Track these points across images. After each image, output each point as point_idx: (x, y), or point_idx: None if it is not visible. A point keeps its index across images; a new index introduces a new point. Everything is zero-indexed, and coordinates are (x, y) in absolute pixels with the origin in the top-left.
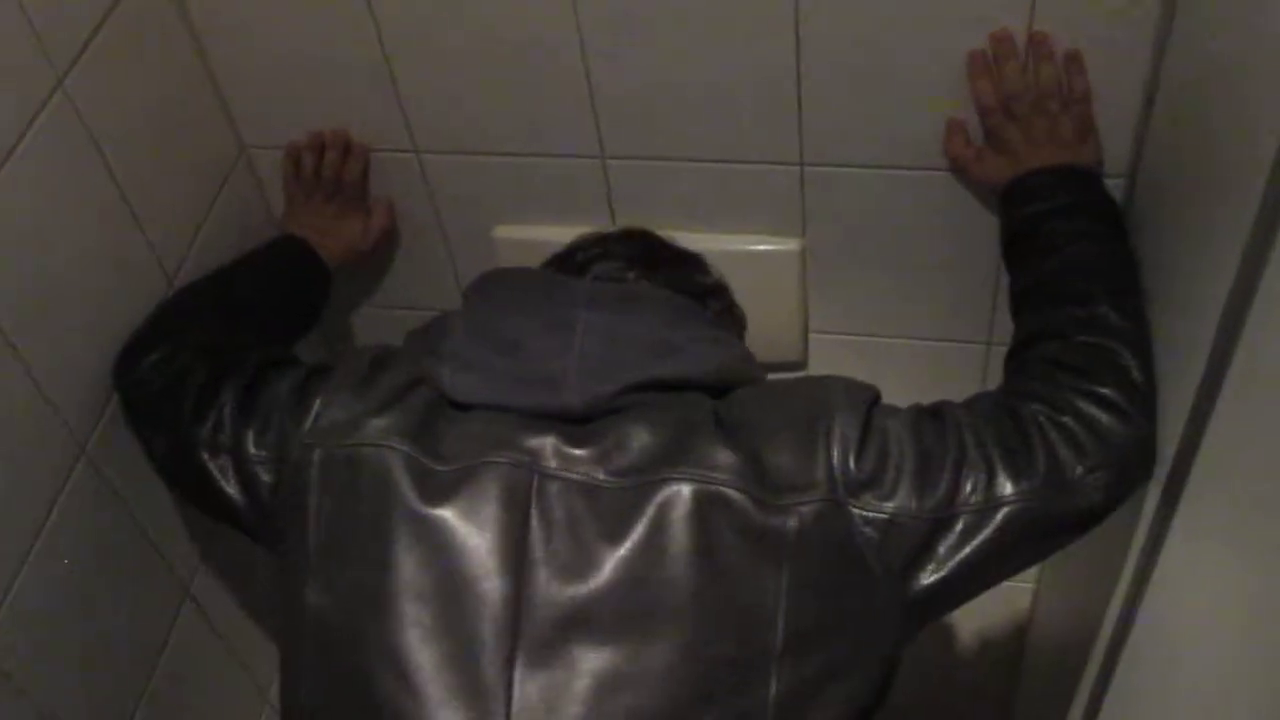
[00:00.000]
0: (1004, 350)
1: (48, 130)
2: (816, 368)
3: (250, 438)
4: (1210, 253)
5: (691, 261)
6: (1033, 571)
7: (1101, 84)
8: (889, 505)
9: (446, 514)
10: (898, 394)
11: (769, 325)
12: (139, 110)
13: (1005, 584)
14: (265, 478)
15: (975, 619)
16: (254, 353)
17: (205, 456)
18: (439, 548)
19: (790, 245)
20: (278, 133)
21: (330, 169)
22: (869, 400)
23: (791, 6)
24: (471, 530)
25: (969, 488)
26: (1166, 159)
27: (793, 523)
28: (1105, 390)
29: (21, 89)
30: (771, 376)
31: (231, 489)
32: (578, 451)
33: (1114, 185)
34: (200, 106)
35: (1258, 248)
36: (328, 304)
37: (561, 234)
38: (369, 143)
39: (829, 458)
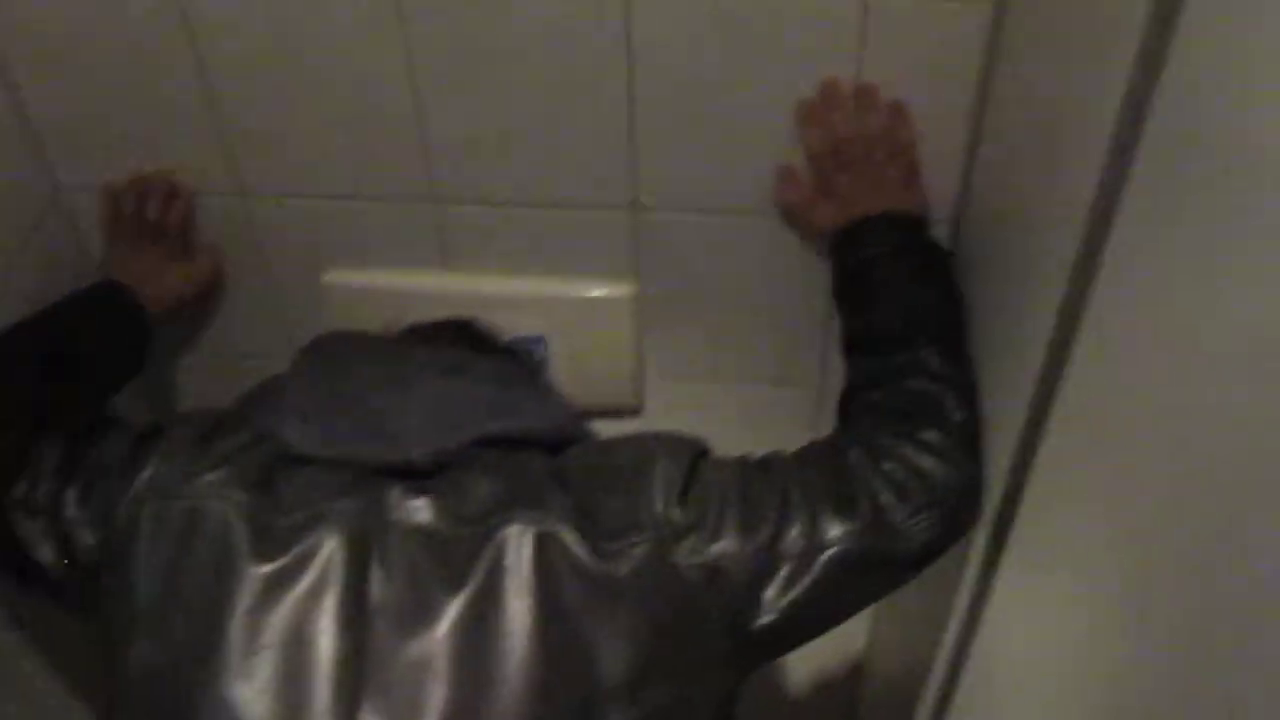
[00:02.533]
0: (834, 397)
1: None
2: (653, 412)
3: (71, 498)
4: (1031, 295)
5: (511, 351)
6: (867, 611)
7: (926, 132)
8: (713, 549)
9: (284, 565)
10: (732, 438)
11: (604, 370)
12: None
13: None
14: (86, 540)
15: (810, 660)
16: (73, 411)
17: (17, 518)
18: (276, 602)
19: (623, 290)
20: (95, 172)
21: (152, 213)
22: (694, 451)
23: (624, 51)
24: (309, 582)
25: (793, 532)
26: (990, 204)
27: (624, 566)
28: (926, 434)
29: None
30: (607, 423)
31: (46, 553)
32: (419, 501)
33: (940, 229)
34: (8, 144)
35: (1075, 291)
36: (150, 353)
37: (393, 279)
38: (192, 183)
39: (651, 503)
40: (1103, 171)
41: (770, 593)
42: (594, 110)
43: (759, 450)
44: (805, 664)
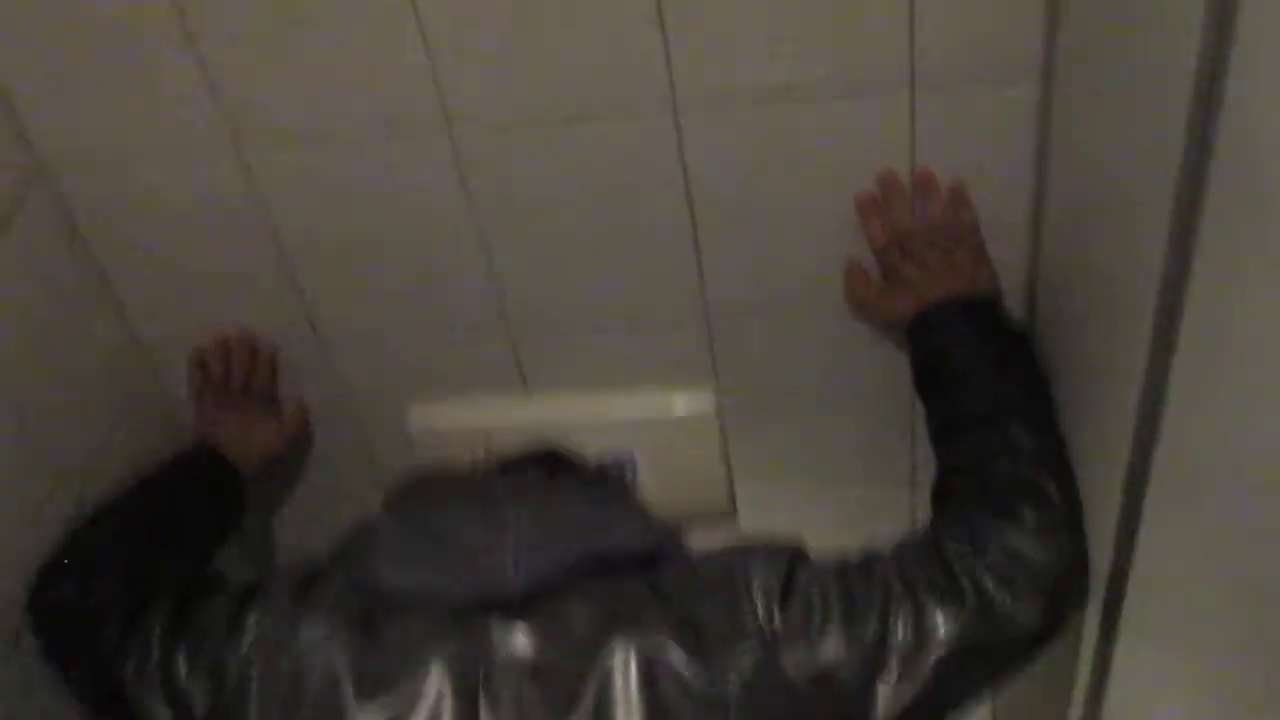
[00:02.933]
0: (926, 490)
1: None
2: (747, 517)
3: (181, 664)
4: (1117, 358)
5: (599, 472)
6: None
7: (989, 210)
8: (820, 656)
9: (395, 714)
10: (828, 537)
11: (694, 481)
12: (33, 332)
13: None
14: (198, 702)
15: None
16: (176, 576)
17: (131, 688)
18: None
19: (706, 403)
20: (181, 337)
21: (238, 375)
22: (791, 554)
23: (680, 175)
24: None
25: (899, 629)
26: (1061, 274)
27: (731, 681)
28: (1025, 517)
29: None
30: (702, 530)
31: (161, 716)
32: (520, 634)
33: (1013, 299)
34: (98, 319)
35: (1161, 350)
36: (245, 511)
37: (477, 412)
38: (273, 339)
39: (754, 610)
40: (1170, 226)
41: (882, 694)
42: (656, 230)
43: (856, 548)
44: None
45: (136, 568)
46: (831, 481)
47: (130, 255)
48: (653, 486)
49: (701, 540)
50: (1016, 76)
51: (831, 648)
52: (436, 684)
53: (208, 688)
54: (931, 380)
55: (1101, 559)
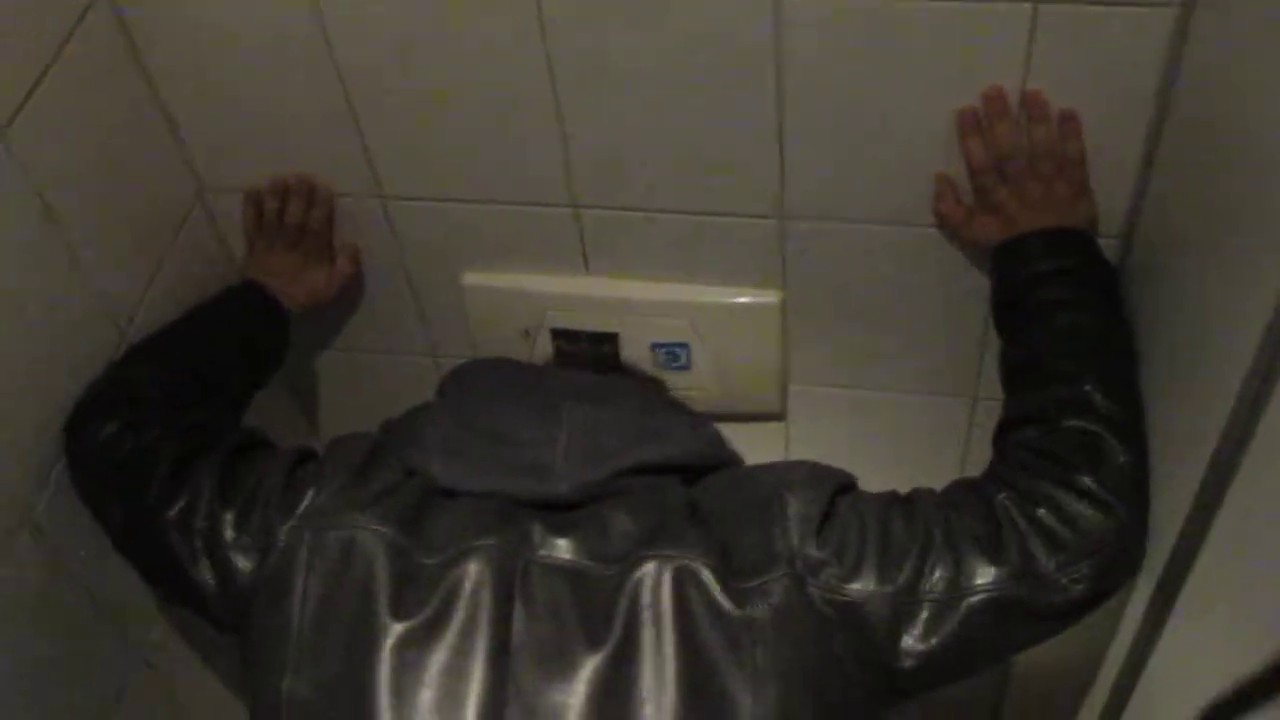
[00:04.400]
0: (990, 405)
1: None
2: (796, 420)
3: (229, 522)
4: (1222, 326)
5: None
6: None
7: (1098, 143)
8: (850, 587)
9: (434, 608)
10: (880, 449)
11: (748, 376)
12: (88, 157)
13: None
14: (243, 564)
15: None
16: (227, 429)
17: (174, 538)
18: (429, 641)
19: (770, 298)
20: (238, 175)
21: (294, 216)
22: (835, 484)
23: (773, 61)
24: (459, 622)
25: (934, 577)
26: (1168, 222)
27: (761, 605)
28: (1084, 479)
29: None
30: (749, 429)
31: (202, 573)
32: (562, 538)
33: (1108, 246)
34: (155, 150)
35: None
36: (288, 351)
37: (534, 283)
38: (333, 186)
39: (787, 536)
40: None
41: (909, 638)
42: (741, 118)
43: (905, 489)
44: None
45: (181, 410)
46: (889, 392)
47: (191, 88)
48: (705, 378)
49: (746, 441)
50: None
51: (862, 584)
52: (476, 579)
53: (255, 554)
54: (1009, 314)
55: (1167, 529)
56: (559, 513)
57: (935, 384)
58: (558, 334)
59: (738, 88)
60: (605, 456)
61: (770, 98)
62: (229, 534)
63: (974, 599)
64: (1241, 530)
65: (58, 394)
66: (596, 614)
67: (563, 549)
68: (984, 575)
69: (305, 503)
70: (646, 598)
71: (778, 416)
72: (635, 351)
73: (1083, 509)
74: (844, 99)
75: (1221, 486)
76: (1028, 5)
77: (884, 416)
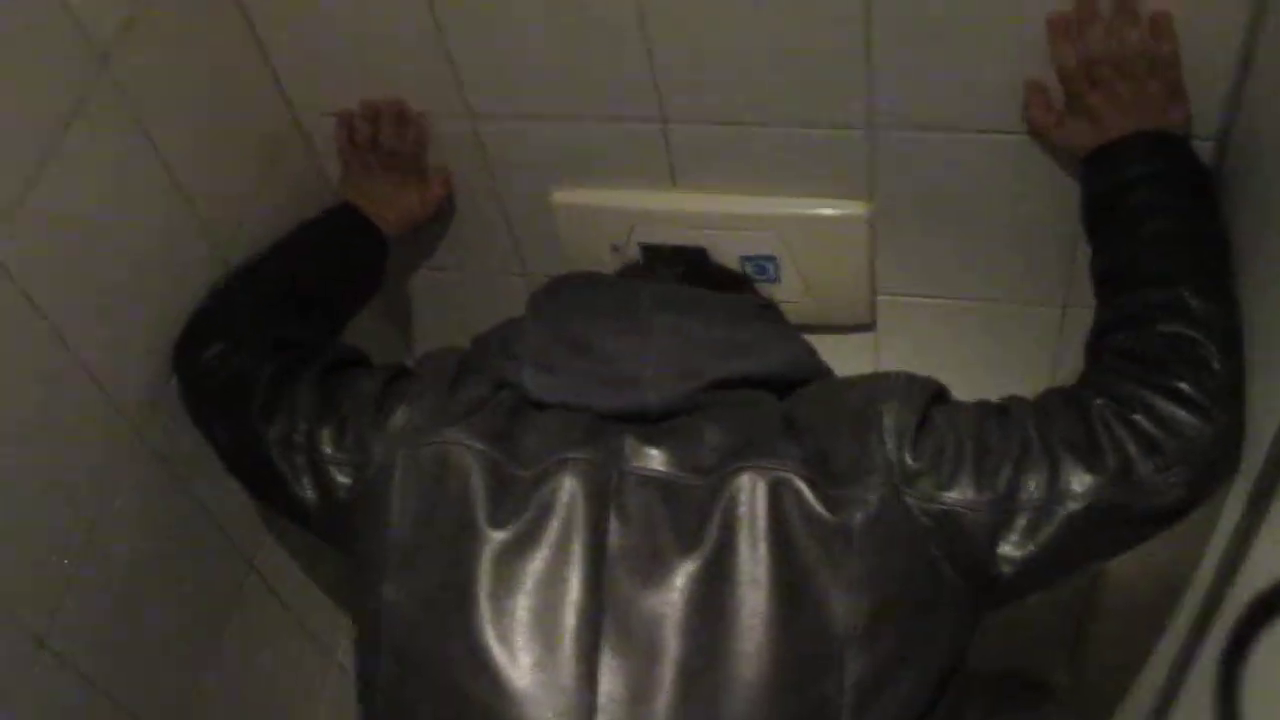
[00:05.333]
0: (1080, 311)
1: (92, 113)
2: (886, 330)
3: (327, 438)
4: None
5: (742, 280)
6: None
7: (1192, 44)
8: (947, 495)
9: (528, 519)
10: (971, 358)
11: (836, 287)
12: (185, 84)
13: None
14: (342, 479)
15: None
16: (324, 347)
17: (276, 454)
18: (524, 551)
19: (857, 209)
20: (331, 99)
21: (386, 138)
22: (929, 393)
23: None
24: (554, 533)
25: (1031, 485)
26: (1266, 124)
27: (857, 514)
28: (1180, 384)
29: (63, 72)
30: (840, 339)
31: (304, 489)
32: (654, 450)
33: (1202, 149)
34: (249, 75)
35: None
36: (385, 272)
37: (622, 198)
38: (422, 107)
39: (884, 446)
40: None
41: (1007, 545)
42: (828, 24)
43: (999, 397)
44: None
45: (282, 326)
46: (979, 300)
47: (281, 11)
48: (794, 290)
49: (836, 351)
50: None
51: (959, 492)
52: (570, 491)
53: (352, 469)
54: (1102, 220)
55: (1264, 434)
56: (650, 425)
57: (1025, 292)
58: (647, 249)
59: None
60: (695, 369)
61: (858, 2)
62: (327, 450)
63: (1072, 505)
64: None
65: (164, 315)
66: (690, 523)
67: (655, 460)
68: (1081, 482)
69: (399, 419)
70: (742, 508)
71: (868, 327)
72: (726, 265)
73: (1179, 413)
74: (930, 4)
75: None
76: None
77: (974, 326)
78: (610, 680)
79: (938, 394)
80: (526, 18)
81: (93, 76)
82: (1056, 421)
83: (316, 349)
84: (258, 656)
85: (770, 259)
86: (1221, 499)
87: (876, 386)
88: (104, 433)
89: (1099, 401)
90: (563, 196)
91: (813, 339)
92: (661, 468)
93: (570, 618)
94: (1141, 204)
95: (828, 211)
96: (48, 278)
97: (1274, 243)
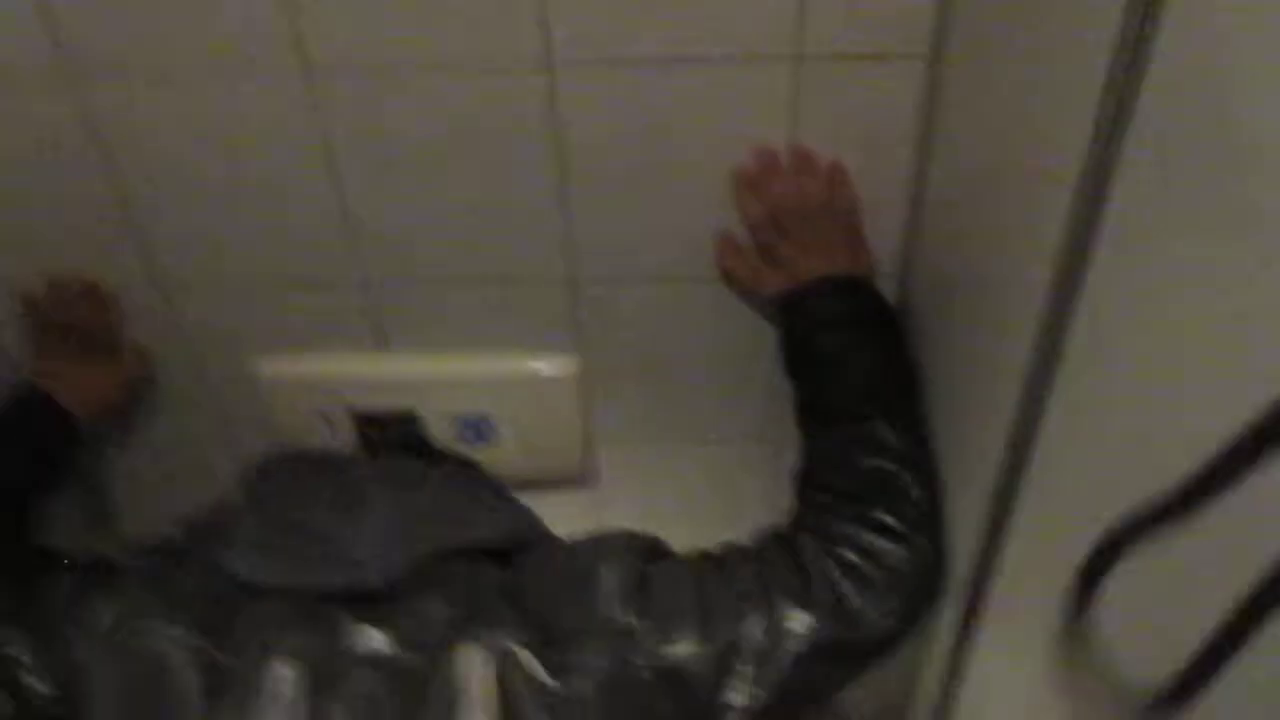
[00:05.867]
0: (791, 448)
1: None
2: (609, 483)
3: (23, 644)
4: (995, 359)
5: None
6: None
7: (868, 191)
8: (670, 651)
9: (244, 711)
10: (692, 502)
11: (552, 444)
12: None
13: None
14: (41, 688)
15: None
16: (14, 546)
17: None
18: None
19: (566, 364)
20: (13, 275)
21: (75, 315)
22: (645, 550)
23: (550, 128)
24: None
25: (753, 631)
26: (939, 257)
27: (583, 681)
28: (882, 515)
29: None
30: (561, 495)
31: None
32: (375, 629)
33: (886, 285)
34: None
35: (1043, 357)
36: (79, 457)
37: (330, 366)
38: (112, 282)
39: (604, 607)
40: (1073, 202)
41: (734, 693)
42: (523, 187)
43: (714, 545)
44: None
45: None
46: (692, 444)
47: None
48: (510, 449)
49: (560, 508)
50: (906, 51)
51: (684, 647)
52: (289, 679)
53: (51, 678)
54: (797, 361)
55: (963, 555)
56: (372, 603)
57: (737, 431)
58: (358, 417)
59: (521, 162)
60: (413, 542)
61: (553, 169)
62: (23, 658)
63: (793, 646)
64: (1030, 546)
65: None
66: (415, 704)
67: (376, 640)
68: (799, 622)
69: (101, 616)
70: (462, 682)
71: (588, 482)
72: (439, 428)
73: (882, 544)
74: (622, 165)
75: (1007, 507)
76: (788, 67)
77: (693, 469)
78: None
79: (655, 549)
80: (217, 189)
81: None
82: (771, 565)
83: (8, 551)
84: None
85: (485, 419)
86: (935, 622)
87: (596, 548)
88: None
89: (809, 540)
90: (267, 367)
91: (535, 497)
92: (383, 647)
93: None
94: (833, 345)
95: (538, 367)
96: None
97: (957, 374)
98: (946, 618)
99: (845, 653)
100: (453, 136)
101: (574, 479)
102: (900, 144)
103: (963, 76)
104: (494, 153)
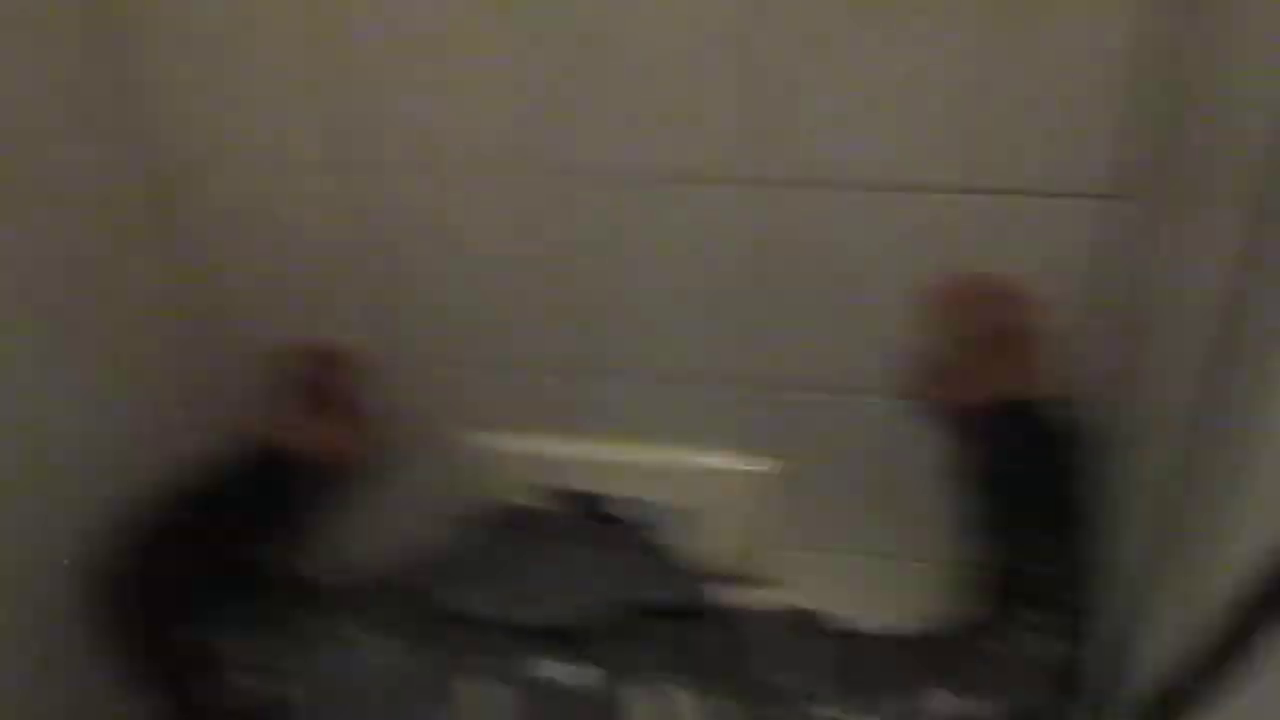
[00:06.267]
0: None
1: None
2: (792, 584)
3: (247, 655)
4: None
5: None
6: None
7: (1053, 318)
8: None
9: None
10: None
11: (741, 543)
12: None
13: None
14: (264, 692)
15: None
16: (250, 567)
17: (196, 668)
18: None
19: (760, 465)
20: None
21: (319, 378)
22: (812, 622)
23: (750, 238)
24: None
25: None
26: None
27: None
28: (1033, 617)
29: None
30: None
31: (218, 699)
32: (566, 667)
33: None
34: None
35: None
36: (323, 511)
37: (534, 445)
38: (356, 348)
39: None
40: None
41: None
42: (727, 298)
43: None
44: None
45: (211, 551)
46: (879, 558)
47: (232, 258)
48: (700, 545)
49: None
50: (1097, 188)
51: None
52: (489, 699)
53: (270, 683)
54: (976, 478)
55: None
56: (563, 642)
57: (921, 548)
58: (556, 493)
59: (726, 273)
60: (595, 592)
61: (748, 278)
62: (248, 665)
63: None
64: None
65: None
66: None
67: (568, 675)
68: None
69: (314, 637)
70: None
71: (775, 581)
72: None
73: (1032, 644)
74: (818, 276)
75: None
76: (971, 196)
77: (874, 581)
78: None
79: (816, 620)
80: (455, 276)
81: None
82: (923, 652)
83: (245, 572)
84: None
85: (664, 511)
86: None
87: (764, 619)
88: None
89: (967, 632)
90: (481, 445)
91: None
92: (573, 681)
93: None
94: (1009, 466)
95: (733, 467)
96: None
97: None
98: None
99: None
100: (659, 244)
101: (762, 579)
102: (1081, 275)
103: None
104: (693, 245)
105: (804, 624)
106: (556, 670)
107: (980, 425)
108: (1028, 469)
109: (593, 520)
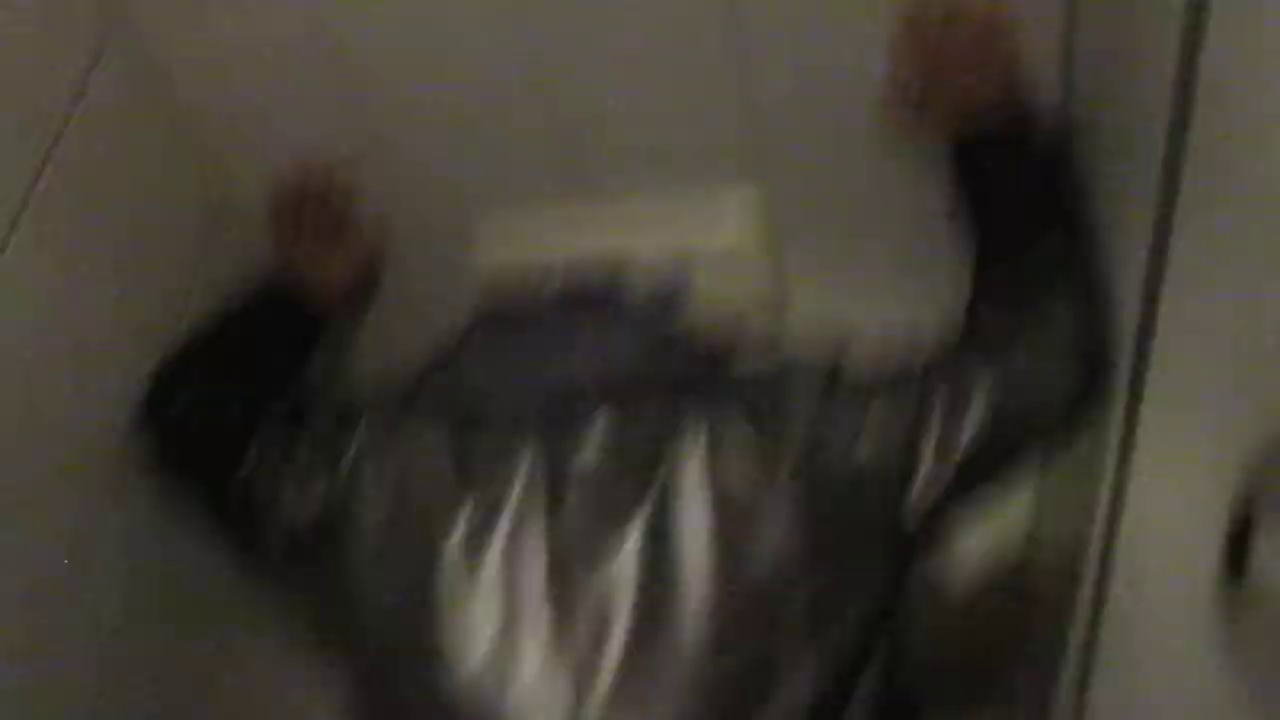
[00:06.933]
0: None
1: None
2: (800, 307)
3: (290, 474)
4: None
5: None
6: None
7: (1025, 27)
8: (859, 452)
9: (489, 499)
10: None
11: (744, 278)
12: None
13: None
14: (309, 511)
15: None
16: (280, 396)
17: (241, 494)
18: (487, 533)
19: (754, 198)
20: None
21: (316, 205)
22: (834, 358)
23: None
24: (512, 510)
25: (933, 425)
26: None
27: (782, 469)
28: (1052, 305)
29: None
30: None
31: (279, 509)
32: (600, 420)
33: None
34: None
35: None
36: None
37: (535, 221)
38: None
39: (802, 407)
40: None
41: (921, 479)
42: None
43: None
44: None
45: (239, 383)
46: (882, 272)
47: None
48: (705, 289)
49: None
50: None
51: (870, 447)
52: (526, 468)
53: (314, 502)
54: (966, 208)
55: (1125, 337)
56: (593, 402)
57: (918, 260)
58: (562, 267)
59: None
60: (624, 362)
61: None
62: (301, 459)
63: (981, 393)
64: (1177, 331)
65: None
66: (637, 478)
67: (602, 429)
68: (980, 405)
69: (357, 443)
70: (686, 447)
71: (780, 307)
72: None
73: (1056, 324)
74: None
75: (1155, 291)
76: None
77: (880, 295)
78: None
79: (842, 357)
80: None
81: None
82: (947, 370)
83: (284, 394)
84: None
85: (681, 272)
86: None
87: (782, 370)
88: (81, 489)
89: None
90: (480, 235)
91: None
92: (609, 436)
93: (538, 589)
94: (1002, 186)
95: (728, 205)
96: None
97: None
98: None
99: (1021, 427)
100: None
101: (770, 307)
102: None
103: None
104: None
105: (823, 360)
106: (591, 429)
107: (965, 161)
108: (1025, 189)
109: (599, 293)
